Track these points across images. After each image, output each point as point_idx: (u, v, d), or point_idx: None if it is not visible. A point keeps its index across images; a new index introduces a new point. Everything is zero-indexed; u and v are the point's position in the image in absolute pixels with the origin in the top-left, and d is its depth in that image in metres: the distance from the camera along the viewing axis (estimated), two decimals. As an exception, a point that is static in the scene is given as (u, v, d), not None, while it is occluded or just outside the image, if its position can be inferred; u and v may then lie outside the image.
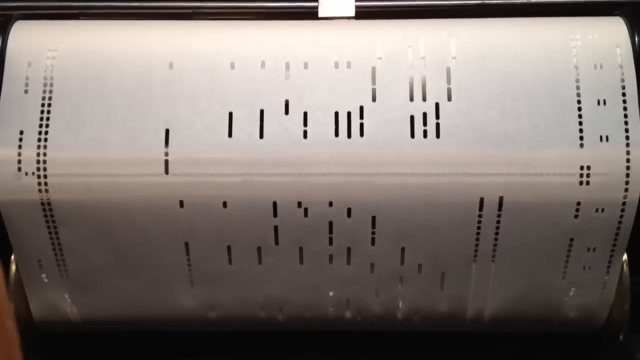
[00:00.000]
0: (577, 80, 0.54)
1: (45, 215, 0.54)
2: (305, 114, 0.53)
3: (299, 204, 0.54)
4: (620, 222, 0.54)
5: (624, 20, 0.56)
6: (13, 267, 0.57)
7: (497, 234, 0.54)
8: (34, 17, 0.58)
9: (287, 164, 0.53)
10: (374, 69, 0.54)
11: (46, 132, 0.53)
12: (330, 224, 0.55)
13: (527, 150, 0.53)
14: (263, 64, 0.54)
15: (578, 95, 0.53)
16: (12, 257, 0.57)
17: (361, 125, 0.53)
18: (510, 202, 0.53)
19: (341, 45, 0.55)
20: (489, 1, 0.60)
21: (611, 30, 0.55)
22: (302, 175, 0.53)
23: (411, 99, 0.53)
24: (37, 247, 0.56)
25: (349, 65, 0.54)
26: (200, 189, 0.53)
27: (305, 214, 0.54)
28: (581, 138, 0.53)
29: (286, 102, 0.53)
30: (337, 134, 0.53)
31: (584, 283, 0.57)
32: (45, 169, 0.53)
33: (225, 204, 0.54)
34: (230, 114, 0.53)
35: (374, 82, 0.54)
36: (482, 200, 0.53)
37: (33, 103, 0.54)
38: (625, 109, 0.53)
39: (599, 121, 0.53)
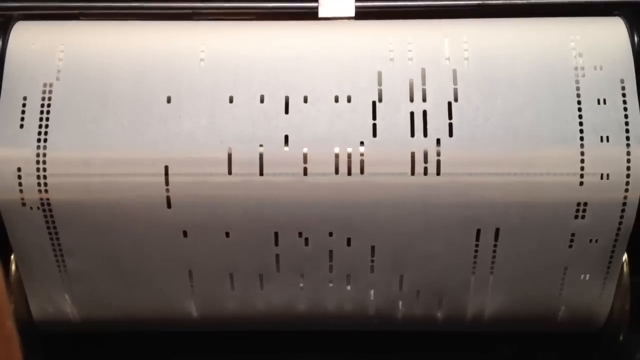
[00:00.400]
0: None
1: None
2: (305, 153, 0.53)
3: (300, 234, 0.55)
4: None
5: (623, 20, 0.56)
6: (13, 267, 0.57)
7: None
8: (34, 18, 0.58)
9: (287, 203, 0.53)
10: (374, 103, 0.53)
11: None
12: (331, 252, 0.56)
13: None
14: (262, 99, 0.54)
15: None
16: (12, 257, 0.57)
17: (362, 162, 0.53)
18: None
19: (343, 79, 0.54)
20: (489, 1, 0.60)
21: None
22: (303, 208, 0.54)
23: (412, 135, 0.53)
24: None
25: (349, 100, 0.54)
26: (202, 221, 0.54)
27: (306, 244, 0.55)
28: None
29: (285, 137, 0.53)
30: (337, 172, 0.53)
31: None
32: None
33: (227, 235, 0.55)
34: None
35: (374, 117, 0.53)
36: (479, 231, 0.54)
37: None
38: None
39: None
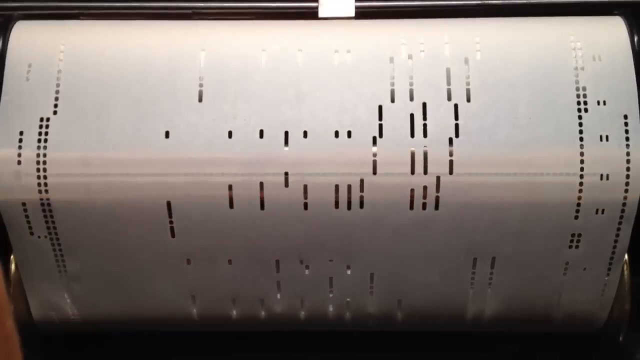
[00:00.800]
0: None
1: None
2: (305, 185, 0.53)
3: (301, 262, 0.55)
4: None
5: (623, 20, 0.56)
6: (13, 267, 0.57)
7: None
8: (34, 18, 0.58)
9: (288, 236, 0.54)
10: (374, 138, 0.53)
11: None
12: (331, 279, 0.57)
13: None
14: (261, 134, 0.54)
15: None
16: (12, 257, 0.57)
17: (361, 197, 0.53)
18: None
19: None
20: (489, 1, 0.60)
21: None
22: (303, 238, 0.54)
23: (412, 172, 0.53)
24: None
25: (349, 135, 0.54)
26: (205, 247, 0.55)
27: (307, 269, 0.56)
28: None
29: (286, 174, 0.54)
30: (337, 206, 0.53)
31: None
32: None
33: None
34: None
35: (374, 155, 0.53)
36: (475, 260, 0.55)
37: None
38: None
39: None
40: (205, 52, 0.55)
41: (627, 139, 0.53)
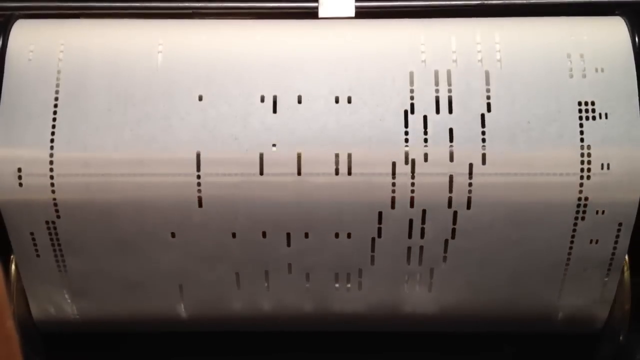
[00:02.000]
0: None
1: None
2: (307, 274, 0.56)
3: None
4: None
5: (624, 20, 0.56)
6: (13, 267, 0.57)
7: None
8: (34, 18, 0.58)
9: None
10: (376, 236, 0.54)
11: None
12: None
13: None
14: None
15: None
16: (12, 257, 0.57)
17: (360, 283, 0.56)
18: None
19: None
20: (489, 1, 0.60)
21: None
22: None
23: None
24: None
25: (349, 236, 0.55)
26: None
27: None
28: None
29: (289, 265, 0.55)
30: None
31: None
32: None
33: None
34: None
35: (372, 249, 0.55)
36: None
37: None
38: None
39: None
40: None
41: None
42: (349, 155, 0.53)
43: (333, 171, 0.53)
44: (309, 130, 0.53)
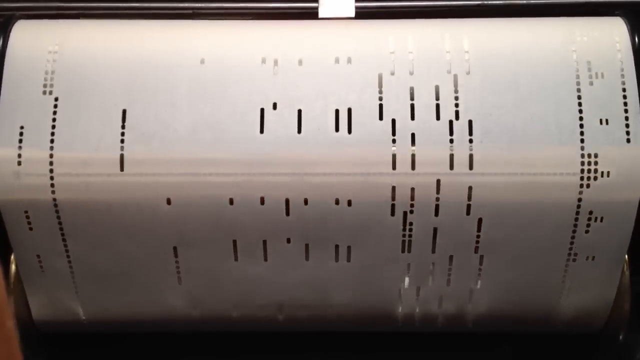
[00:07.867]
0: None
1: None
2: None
3: None
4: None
5: (624, 20, 0.56)
6: (13, 267, 0.57)
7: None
8: (34, 18, 0.58)
9: None
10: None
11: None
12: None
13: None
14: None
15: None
16: (12, 257, 0.57)
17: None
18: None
19: None
20: (489, 1, 0.60)
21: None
22: None
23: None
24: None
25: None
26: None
27: None
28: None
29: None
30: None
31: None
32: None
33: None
34: None
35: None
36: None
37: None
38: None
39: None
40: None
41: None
42: None
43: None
44: None
